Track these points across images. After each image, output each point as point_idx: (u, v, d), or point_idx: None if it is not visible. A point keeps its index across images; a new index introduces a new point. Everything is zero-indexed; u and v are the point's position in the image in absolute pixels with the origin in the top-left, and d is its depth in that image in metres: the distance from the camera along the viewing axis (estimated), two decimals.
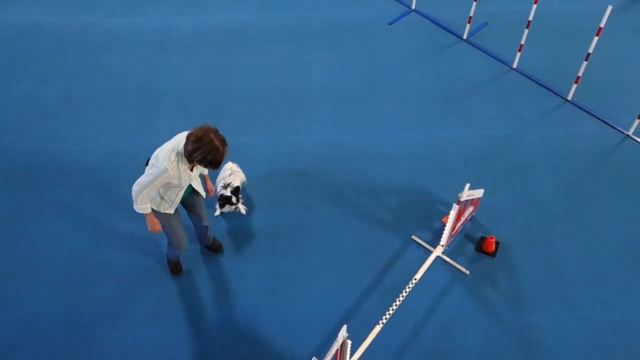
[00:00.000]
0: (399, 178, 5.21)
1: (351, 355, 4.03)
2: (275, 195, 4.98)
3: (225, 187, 4.77)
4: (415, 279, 4.47)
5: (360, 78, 6.11)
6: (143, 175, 3.70)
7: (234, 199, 4.76)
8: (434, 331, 4.26)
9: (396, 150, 5.43)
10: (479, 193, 4.54)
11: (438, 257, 4.63)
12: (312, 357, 4.11)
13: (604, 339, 4.25)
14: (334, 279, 4.52)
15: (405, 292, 4.41)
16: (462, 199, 4.22)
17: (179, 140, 3.66)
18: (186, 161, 3.67)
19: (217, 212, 4.90)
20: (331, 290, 4.45)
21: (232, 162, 4.95)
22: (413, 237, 4.76)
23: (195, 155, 3.52)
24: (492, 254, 4.66)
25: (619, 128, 5.65)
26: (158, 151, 3.71)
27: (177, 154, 3.63)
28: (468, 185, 4.22)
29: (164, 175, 3.63)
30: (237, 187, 4.80)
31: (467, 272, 4.56)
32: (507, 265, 4.63)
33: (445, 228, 4.48)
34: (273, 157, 5.36)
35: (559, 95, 5.96)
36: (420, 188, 5.12)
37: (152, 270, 4.53)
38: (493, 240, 4.66)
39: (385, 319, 4.26)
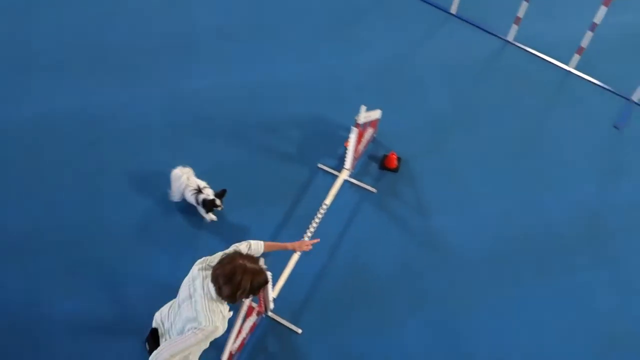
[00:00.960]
0: (298, 110, 5.26)
1: (274, 285, 4.18)
2: (175, 145, 4.90)
3: (199, 191, 4.38)
4: (326, 204, 4.63)
5: (241, 12, 5.99)
6: (175, 342, 3.00)
7: (217, 202, 4.37)
8: (350, 249, 4.48)
9: (290, 83, 5.45)
10: (376, 114, 4.69)
11: (345, 181, 4.81)
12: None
13: (500, 229, 4.66)
14: (247, 218, 4.59)
15: (318, 218, 4.57)
16: (360, 122, 4.35)
17: (202, 287, 3.00)
18: (224, 302, 3.05)
19: (212, 217, 4.53)
20: (245, 228, 4.54)
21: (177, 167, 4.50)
22: (319, 165, 4.89)
23: (238, 294, 2.92)
24: (395, 170, 4.89)
25: (500, 35, 5.96)
26: (188, 312, 2.99)
27: (215, 301, 2.99)
28: (364, 107, 4.35)
29: (215, 333, 3.00)
30: (221, 191, 4.41)
31: (374, 190, 4.78)
32: (410, 177, 4.89)
33: (348, 152, 4.64)
34: (167, 106, 5.22)
35: (443, 10, 6.15)
36: (320, 117, 5.21)
37: (78, 236, 4.43)
38: (394, 156, 4.87)
39: None
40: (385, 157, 4.92)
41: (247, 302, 3.60)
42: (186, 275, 3.13)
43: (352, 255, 4.45)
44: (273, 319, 4.15)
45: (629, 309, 4.31)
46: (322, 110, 5.25)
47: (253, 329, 4.05)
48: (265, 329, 4.13)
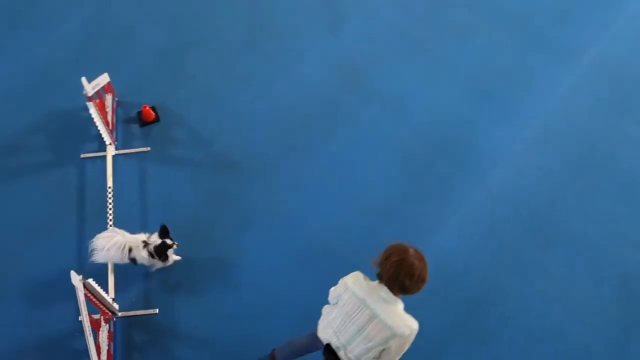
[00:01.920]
0: (28, 114, 4.80)
1: (105, 287, 3.98)
2: None
3: (146, 244, 3.90)
4: (110, 187, 4.43)
5: None
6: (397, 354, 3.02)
7: (168, 241, 3.91)
8: (159, 212, 4.39)
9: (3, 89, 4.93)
10: (104, 79, 4.42)
11: (115, 156, 4.59)
12: (79, 318, 3.97)
13: (276, 117, 4.85)
14: (34, 246, 4.25)
15: (111, 203, 4.37)
16: (90, 94, 4.10)
17: (377, 302, 2.92)
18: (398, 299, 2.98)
19: (175, 258, 4.11)
20: (50, 252, 4.21)
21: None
22: (82, 155, 4.59)
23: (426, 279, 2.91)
24: (156, 120, 4.77)
25: None
26: (379, 334, 2.91)
27: (395, 305, 2.93)
28: (84, 79, 4.09)
29: (416, 330, 2.96)
30: (162, 229, 3.94)
31: (148, 149, 4.64)
32: (174, 120, 4.82)
33: (100, 128, 4.38)
34: None
35: None
36: (53, 110, 4.82)
37: None
38: (148, 108, 4.73)
39: None
40: (139, 113, 4.75)
41: (86, 322, 3.42)
42: None
43: (164, 215, 4.34)
44: (126, 317, 4.02)
45: (408, 125, 4.86)
46: (51, 102, 4.84)
47: (111, 336, 3.89)
48: (124, 328, 4.00)
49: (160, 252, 3.91)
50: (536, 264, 4.30)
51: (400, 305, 2.93)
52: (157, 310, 4.03)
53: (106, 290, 3.96)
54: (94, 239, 3.93)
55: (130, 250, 3.88)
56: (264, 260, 4.26)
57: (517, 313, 4.11)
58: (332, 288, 3.16)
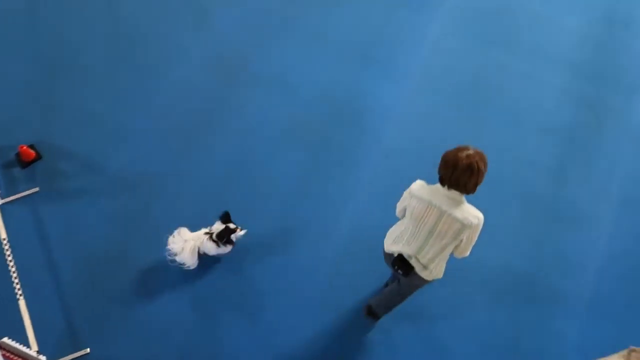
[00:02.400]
0: None
1: (25, 342, 3.75)
2: None
3: (210, 234, 4.03)
4: (5, 239, 4.14)
5: None
6: (470, 243, 3.22)
7: (232, 225, 4.04)
8: (65, 247, 4.16)
9: None
10: None
11: (3, 205, 4.30)
12: None
13: (160, 130, 4.74)
14: None
15: (9, 255, 4.09)
16: None
17: (445, 202, 3.07)
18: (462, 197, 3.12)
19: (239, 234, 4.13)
20: None
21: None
22: None
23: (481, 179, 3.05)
24: (39, 157, 4.50)
25: None
26: (449, 230, 3.09)
27: (462, 202, 3.09)
28: None
29: (482, 220, 3.16)
30: (224, 215, 4.10)
31: (37, 189, 4.38)
32: (58, 153, 4.57)
33: None
34: None
35: None
36: None
37: None
38: (25, 147, 4.45)
39: (19, 290, 3.98)
40: (18, 155, 4.46)
41: None
42: None
43: (72, 251, 4.16)
44: None
45: (297, 102, 4.92)
46: None
47: None
48: None
49: (223, 236, 4.01)
50: None
51: (464, 200, 3.10)
52: (88, 350, 3.84)
53: (26, 344, 3.74)
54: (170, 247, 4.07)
55: (198, 248, 4.07)
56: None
57: None
58: (398, 202, 3.34)
